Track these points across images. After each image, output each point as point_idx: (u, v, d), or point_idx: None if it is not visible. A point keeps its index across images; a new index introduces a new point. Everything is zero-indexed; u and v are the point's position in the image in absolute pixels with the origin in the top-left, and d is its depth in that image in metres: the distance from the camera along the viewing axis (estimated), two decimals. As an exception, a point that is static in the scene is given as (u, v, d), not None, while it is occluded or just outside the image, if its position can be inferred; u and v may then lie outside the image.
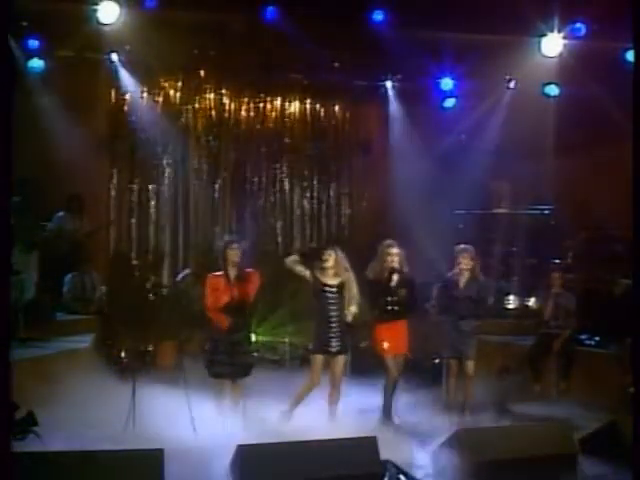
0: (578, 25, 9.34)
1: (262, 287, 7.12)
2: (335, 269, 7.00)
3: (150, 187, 11.30)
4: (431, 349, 8.75)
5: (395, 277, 7.32)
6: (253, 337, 7.09)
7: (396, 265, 7.31)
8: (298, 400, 7.03)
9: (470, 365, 7.59)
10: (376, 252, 7.48)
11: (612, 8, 7.84)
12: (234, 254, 6.92)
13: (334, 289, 6.99)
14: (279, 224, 12.01)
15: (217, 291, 6.82)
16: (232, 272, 6.90)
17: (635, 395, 4.98)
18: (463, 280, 7.71)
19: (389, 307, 7.27)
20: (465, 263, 7.66)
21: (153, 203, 11.33)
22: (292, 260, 7.11)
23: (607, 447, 5.89)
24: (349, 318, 7.02)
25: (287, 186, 12.05)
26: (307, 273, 7.02)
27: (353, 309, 7.04)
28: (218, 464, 5.34)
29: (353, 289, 7.06)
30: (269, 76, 11.18)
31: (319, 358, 7.00)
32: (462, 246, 7.83)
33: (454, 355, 7.69)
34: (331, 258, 7.00)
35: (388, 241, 7.45)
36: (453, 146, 11.30)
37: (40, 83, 9.42)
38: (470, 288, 7.70)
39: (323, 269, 6.99)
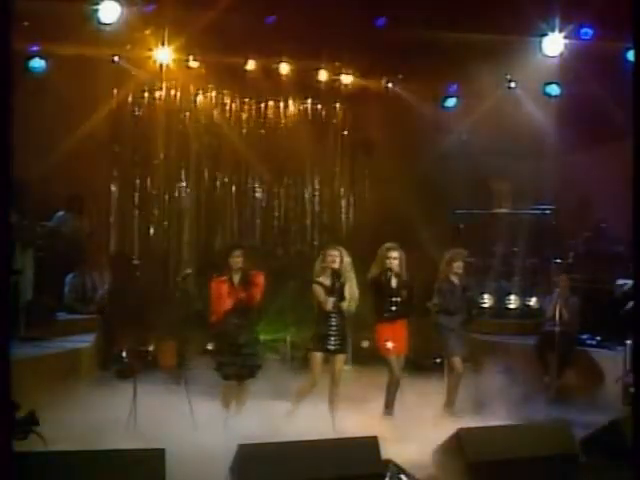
0: (585, 30, 9.36)
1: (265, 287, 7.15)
2: (339, 270, 7.03)
3: (151, 187, 11.31)
4: (432, 349, 8.78)
5: (395, 279, 7.38)
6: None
7: (396, 268, 7.39)
8: (299, 399, 7.06)
9: (459, 362, 7.64)
10: (376, 252, 7.55)
11: (613, 7, 7.83)
12: (236, 261, 6.94)
13: (336, 290, 7.01)
14: (280, 224, 12.02)
15: (221, 296, 6.84)
16: (236, 277, 6.92)
17: (635, 395, 4.97)
18: (457, 280, 7.79)
19: (392, 307, 7.37)
20: (457, 266, 7.77)
21: (154, 203, 11.33)
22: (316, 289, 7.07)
23: (608, 447, 5.88)
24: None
25: (288, 186, 12.06)
26: (319, 290, 7.03)
27: (352, 308, 7.09)
28: (219, 464, 5.33)
29: (353, 288, 7.10)
30: (270, 76, 11.19)
31: (318, 356, 7.03)
32: (455, 250, 7.94)
33: (453, 354, 7.72)
34: (337, 260, 7.03)
35: (388, 244, 7.52)
36: (453, 146, 11.30)
37: (40, 83, 9.41)
38: (464, 288, 7.81)
39: (327, 271, 7.01)
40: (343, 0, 9.43)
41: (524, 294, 10.65)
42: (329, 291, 6.98)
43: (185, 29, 9.62)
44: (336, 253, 7.08)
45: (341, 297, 7.02)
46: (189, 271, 10.34)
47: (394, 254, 7.40)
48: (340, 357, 7.11)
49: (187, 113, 11.45)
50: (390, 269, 7.36)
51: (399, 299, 7.38)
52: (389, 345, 7.29)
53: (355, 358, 9.17)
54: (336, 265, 7.01)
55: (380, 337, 7.42)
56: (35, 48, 9.33)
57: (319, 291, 7.02)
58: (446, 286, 7.80)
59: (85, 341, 8.82)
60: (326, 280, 7.02)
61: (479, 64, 9.67)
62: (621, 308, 8.08)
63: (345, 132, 12.31)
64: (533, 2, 8.84)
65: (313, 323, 7.21)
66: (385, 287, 7.36)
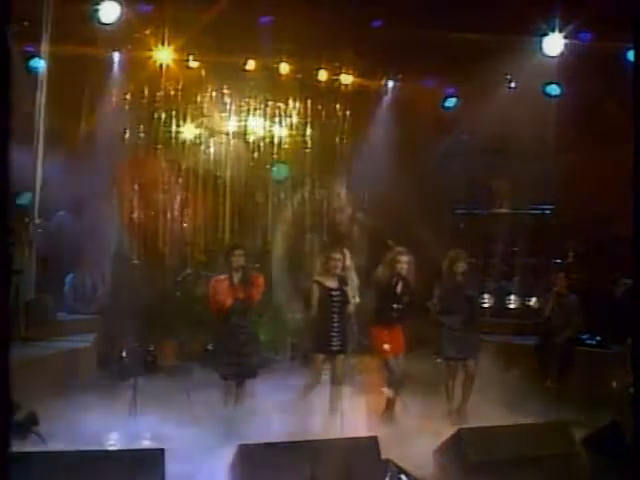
0: (584, 34, 9.39)
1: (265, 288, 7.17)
2: (342, 271, 7.04)
3: (151, 186, 11.30)
4: (432, 349, 8.77)
5: (401, 285, 7.37)
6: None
7: (404, 273, 7.36)
8: (300, 399, 7.05)
9: (470, 365, 7.63)
10: (377, 251, 7.55)
11: (613, 7, 7.83)
12: (238, 260, 6.95)
13: (338, 291, 7.02)
14: (280, 224, 12.01)
15: (221, 294, 6.85)
16: (236, 276, 6.93)
17: (635, 395, 4.97)
18: (458, 280, 7.77)
19: (392, 314, 7.36)
20: (458, 266, 7.73)
21: (153, 202, 11.32)
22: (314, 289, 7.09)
23: (608, 447, 5.88)
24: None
25: (287, 186, 12.05)
26: (315, 287, 7.04)
27: (351, 307, 7.11)
28: (219, 463, 5.34)
29: (355, 289, 7.12)
30: (270, 76, 11.20)
31: (319, 357, 7.02)
32: (456, 250, 7.92)
33: (454, 355, 7.72)
34: (340, 264, 7.02)
35: (399, 248, 7.52)
36: (454, 146, 11.30)
37: (40, 83, 9.40)
38: (465, 288, 7.79)
39: (330, 272, 7.01)
40: (343, 0, 9.43)
41: (524, 294, 10.66)
42: (329, 293, 6.99)
43: (185, 29, 9.63)
44: (339, 256, 7.07)
45: (343, 297, 7.01)
46: (189, 271, 10.34)
47: (405, 258, 7.36)
48: (341, 358, 7.11)
49: (187, 113, 11.43)
50: (399, 274, 7.34)
51: (400, 306, 7.36)
52: (386, 347, 7.29)
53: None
54: (339, 269, 7.02)
55: (377, 339, 7.40)
56: (35, 48, 9.31)
57: (315, 291, 7.02)
58: (450, 286, 7.76)
59: (85, 341, 8.82)
60: (327, 281, 7.03)
61: (479, 64, 9.66)
62: (621, 308, 8.08)
63: (345, 133, 12.28)
64: (533, 2, 8.85)
65: (314, 323, 7.21)
66: (390, 292, 7.34)
